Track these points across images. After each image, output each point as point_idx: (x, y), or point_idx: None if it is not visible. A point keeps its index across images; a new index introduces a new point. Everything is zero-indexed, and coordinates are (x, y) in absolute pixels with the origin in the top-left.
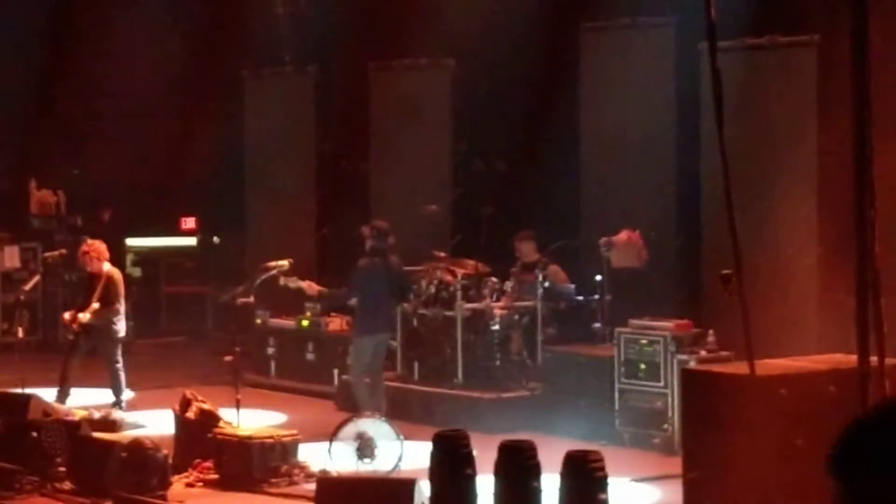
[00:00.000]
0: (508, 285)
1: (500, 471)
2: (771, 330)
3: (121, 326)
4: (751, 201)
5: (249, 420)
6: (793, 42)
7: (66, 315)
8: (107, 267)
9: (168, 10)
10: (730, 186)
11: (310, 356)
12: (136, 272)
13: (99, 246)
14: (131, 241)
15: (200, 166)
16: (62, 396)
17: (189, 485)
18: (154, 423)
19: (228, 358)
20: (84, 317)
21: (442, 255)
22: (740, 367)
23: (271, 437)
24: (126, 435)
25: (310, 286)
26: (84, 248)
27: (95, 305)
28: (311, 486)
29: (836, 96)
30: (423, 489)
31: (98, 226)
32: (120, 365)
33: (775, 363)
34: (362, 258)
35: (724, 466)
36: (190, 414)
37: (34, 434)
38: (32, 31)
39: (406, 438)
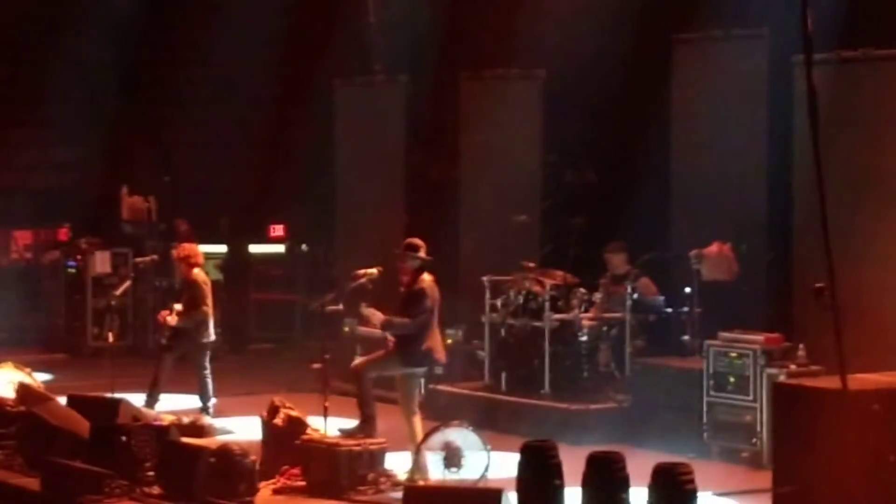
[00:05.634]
0: (597, 296)
1: (589, 482)
2: (863, 345)
3: (208, 332)
4: (844, 215)
5: (337, 427)
6: (887, 55)
7: (161, 314)
8: (196, 272)
9: (259, 19)
10: (824, 200)
11: None
12: (219, 277)
13: (191, 250)
14: (218, 248)
15: (290, 174)
16: (152, 401)
17: (276, 491)
18: (242, 430)
19: (316, 365)
20: (171, 319)
21: (531, 265)
22: (832, 382)
23: (359, 444)
24: (214, 440)
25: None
26: (178, 252)
27: (178, 308)
28: (398, 495)
29: None
30: (511, 499)
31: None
32: (207, 371)
33: (868, 378)
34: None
35: (815, 481)
36: (278, 420)
37: (123, 438)
38: (126, 39)
39: (493, 448)
